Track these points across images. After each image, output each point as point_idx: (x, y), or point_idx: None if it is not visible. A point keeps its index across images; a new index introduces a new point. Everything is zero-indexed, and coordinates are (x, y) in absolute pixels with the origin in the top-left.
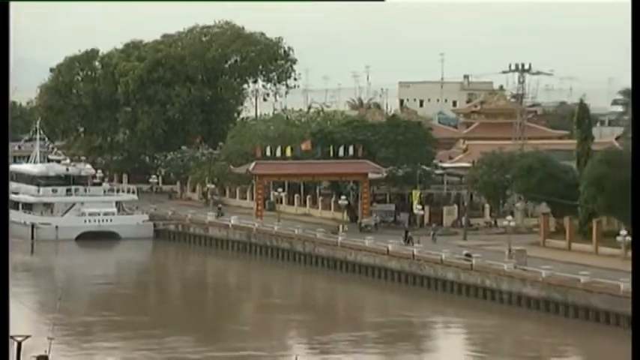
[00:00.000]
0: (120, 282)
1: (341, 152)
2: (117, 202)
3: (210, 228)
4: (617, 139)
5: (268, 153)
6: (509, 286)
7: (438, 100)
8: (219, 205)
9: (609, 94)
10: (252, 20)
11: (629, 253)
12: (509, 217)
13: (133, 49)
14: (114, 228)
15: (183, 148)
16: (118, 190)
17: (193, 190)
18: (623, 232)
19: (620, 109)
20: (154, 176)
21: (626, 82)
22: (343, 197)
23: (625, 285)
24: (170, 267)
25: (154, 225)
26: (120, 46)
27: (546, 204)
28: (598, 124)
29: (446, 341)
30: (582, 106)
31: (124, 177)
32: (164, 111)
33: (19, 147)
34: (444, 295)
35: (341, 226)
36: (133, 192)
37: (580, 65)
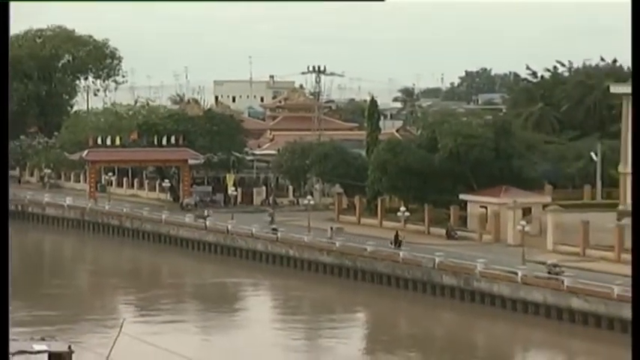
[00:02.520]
0: None
1: (164, 141)
2: None
3: (47, 207)
4: (397, 130)
5: (100, 142)
6: (310, 255)
7: (248, 97)
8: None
9: (390, 92)
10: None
11: (408, 226)
12: (309, 197)
13: None
14: None
15: (22, 137)
16: None
17: (32, 175)
18: (403, 208)
19: (399, 105)
20: None
21: (405, 82)
22: (167, 180)
23: (403, 253)
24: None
25: None
26: None
27: (340, 185)
28: (383, 118)
29: (254, 298)
30: (372, 102)
31: None
32: None
33: None
34: (254, 263)
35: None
36: None
37: (366, 67)
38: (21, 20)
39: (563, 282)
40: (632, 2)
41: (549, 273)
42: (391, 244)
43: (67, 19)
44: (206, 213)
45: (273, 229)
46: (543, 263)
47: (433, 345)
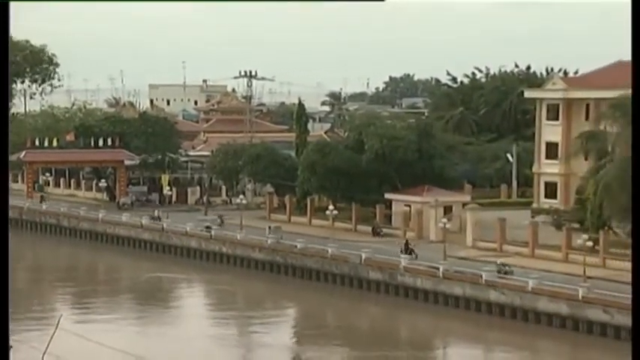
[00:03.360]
0: None
1: (100, 143)
2: None
3: None
4: (325, 132)
5: (37, 143)
6: (242, 252)
7: (182, 100)
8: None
9: (318, 96)
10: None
11: (336, 224)
12: (242, 196)
13: None
14: None
15: None
16: None
17: None
18: (331, 207)
19: (327, 108)
20: None
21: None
22: (103, 180)
23: (332, 250)
24: None
25: None
26: None
27: (271, 185)
28: (311, 121)
29: (188, 293)
30: (300, 106)
31: None
32: None
33: None
34: (188, 260)
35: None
36: None
37: (295, 72)
38: None
39: (481, 276)
40: (632, 2)
41: (499, 272)
42: (401, 252)
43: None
44: (156, 214)
45: (207, 227)
46: (463, 259)
47: (358, 336)
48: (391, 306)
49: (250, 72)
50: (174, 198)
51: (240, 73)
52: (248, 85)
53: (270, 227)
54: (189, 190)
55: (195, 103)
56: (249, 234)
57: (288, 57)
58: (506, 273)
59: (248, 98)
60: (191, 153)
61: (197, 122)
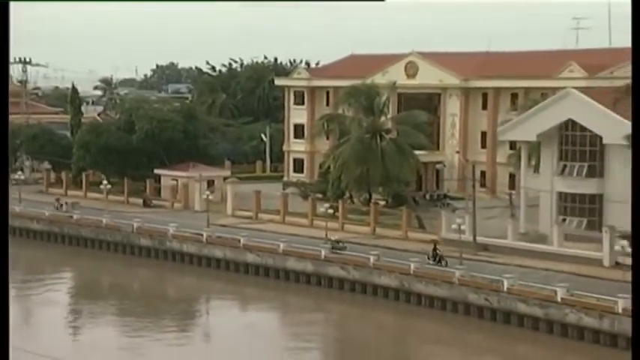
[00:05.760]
0: None
1: None
2: None
3: None
4: (99, 115)
5: None
6: (20, 223)
7: None
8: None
9: (92, 82)
10: None
11: (110, 197)
12: (20, 172)
13: None
14: None
15: None
16: None
17: None
18: (105, 182)
19: (100, 92)
20: None
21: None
22: None
23: (106, 220)
24: None
25: None
26: None
27: (48, 162)
28: (85, 104)
29: None
30: (74, 89)
31: None
32: None
33: None
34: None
35: None
36: None
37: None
38: None
39: (240, 240)
40: (632, 2)
41: (333, 248)
42: (428, 258)
43: None
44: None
45: None
46: (224, 226)
47: (129, 293)
48: (160, 269)
49: (24, 58)
50: None
51: (15, 59)
52: (23, 71)
53: (66, 203)
54: None
55: None
56: (29, 207)
57: (63, 47)
58: (340, 249)
59: (23, 82)
60: None
61: None
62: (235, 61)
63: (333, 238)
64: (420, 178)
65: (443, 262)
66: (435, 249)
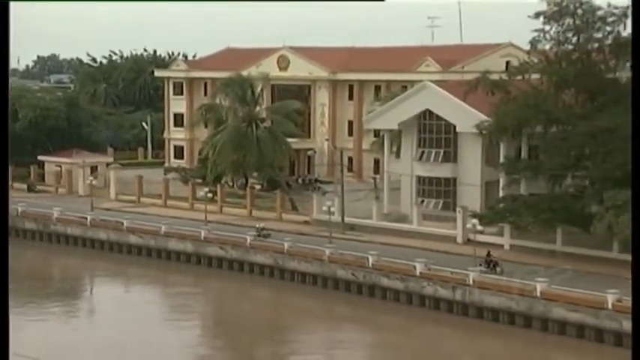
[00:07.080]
0: None
1: None
2: None
3: None
4: None
5: None
6: None
7: None
8: None
9: None
10: None
11: None
12: None
13: None
14: None
15: None
16: None
17: None
18: None
19: None
20: None
21: None
22: None
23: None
24: None
25: None
26: None
27: None
28: None
29: None
30: None
31: None
32: None
33: None
34: None
35: None
36: None
37: None
38: None
39: (123, 223)
40: (632, 2)
41: (258, 235)
42: (480, 265)
43: None
44: None
45: None
46: (108, 209)
47: (13, 277)
48: (45, 251)
49: None
50: None
51: None
52: None
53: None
54: None
55: None
56: None
57: None
58: (264, 236)
59: None
60: None
61: None
62: (115, 53)
63: (258, 226)
64: (293, 163)
65: (498, 269)
66: (488, 254)
